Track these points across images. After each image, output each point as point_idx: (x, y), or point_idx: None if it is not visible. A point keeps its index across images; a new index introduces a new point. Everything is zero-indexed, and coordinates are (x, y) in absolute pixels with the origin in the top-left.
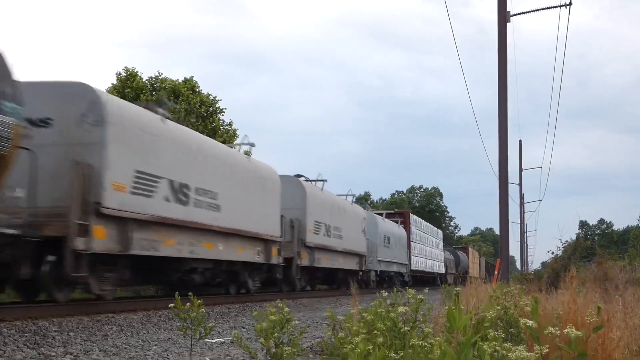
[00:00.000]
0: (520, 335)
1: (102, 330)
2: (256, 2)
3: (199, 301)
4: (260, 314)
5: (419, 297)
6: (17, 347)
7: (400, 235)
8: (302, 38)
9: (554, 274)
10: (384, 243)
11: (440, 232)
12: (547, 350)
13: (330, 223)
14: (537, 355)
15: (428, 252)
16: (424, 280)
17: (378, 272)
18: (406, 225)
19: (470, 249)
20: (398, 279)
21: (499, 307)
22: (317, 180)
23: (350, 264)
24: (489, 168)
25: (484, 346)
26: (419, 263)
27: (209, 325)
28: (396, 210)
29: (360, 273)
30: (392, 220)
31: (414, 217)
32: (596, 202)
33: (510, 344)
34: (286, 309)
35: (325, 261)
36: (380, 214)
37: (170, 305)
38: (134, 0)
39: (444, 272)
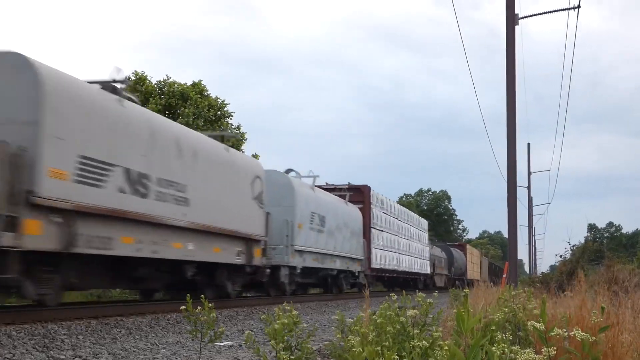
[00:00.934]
0: (529, 338)
1: (110, 334)
2: (267, 4)
3: (210, 304)
4: (269, 317)
5: (428, 300)
6: (26, 350)
7: (350, 217)
8: (312, 40)
9: (562, 277)
10: (311, 224)
11: (425, 222)
12: (555, 352)
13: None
14: (544, 357)
15: (403, 245)
16: (397, 282)
17: (298, 270)
18: (365, 205)
19: (469, 246)
20: (348, 280)
21: (506, 310)
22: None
23: (223, 254)
24: (497, 171)
25: (493, 348)
26: (384, 259)
27: (220, 329)
28: (350, 183)
29: (248, 269)
30: (338, 195)
31: (376, 195)
32: (605, 205)
33: (518, 347)
34: (295, 312)
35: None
36: (322, 188)
37: (181, 308)
38: (145, 3)
39: (429, 272)
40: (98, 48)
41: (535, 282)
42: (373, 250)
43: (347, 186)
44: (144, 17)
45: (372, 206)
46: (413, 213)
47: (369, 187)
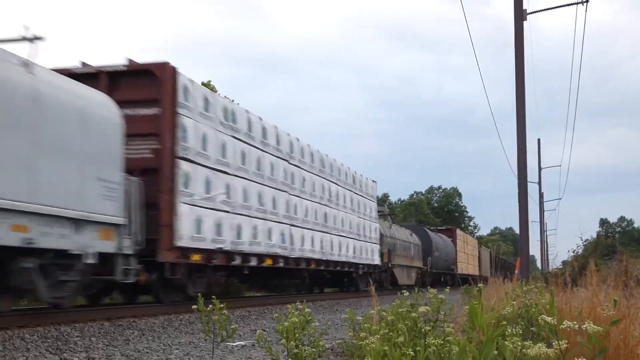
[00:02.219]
0: (541, 333)
1: (123, 335)
2: (274, 4)
3: (222, 305)
4: (282, 316)
5: (440, 296)
6: (40, 352)
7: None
8: (322, 40)
9: (575, 271)
10: None
11: (372, 185)
12: (567, 345)
13: None
14: (556, 350)
15: (296, 207)
16: (278, 275)
17: None
18: (164, 101)
19: (460, 232)
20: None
21: (514, 304)
22: None
23: None
24: (508, 168)
25: (506, 342)
26: (212, 228)
27: (232, 327)
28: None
29: None
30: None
31: (192, 87)
32: (617, 199)
33: (530, 342)
34: (307, 310)
35: None
36: None
37: (193, 307)
38: (156, 6)
39: (378, 263)
40: (110, 51)
41: (547, 277)
42: (181, 208)
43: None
44: (154, 20)
45: (179, 109)
46: (337, 162)
47: (171, 68)
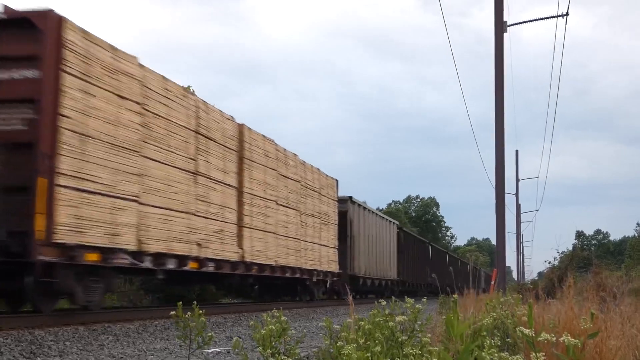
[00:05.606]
0: (518, 344)
1: (98, 340)
2: (254, 12)
3: (201, 311)
4: (258, 324)
5: (417, 306)
6: (13, 356)
7: None
8: (300, 49)
9: (551, 283)
10: None
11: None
12: (544, 357)
13: None
14: None
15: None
16: None
17: None
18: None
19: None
20: None
21: (494, 315)
22: None
23: None
24: (486, 179)
25: (483, 353)
26: None
27: (208, 335)
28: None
29: None
30: None
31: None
32: (593, 212)
33: (507, 353)
34: (284, 318)
35: None
36: None
37: (171, 313)
38: (133, 9)
39: (334, 270)
40: None
41: (524, 288)
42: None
43: None
44: (132, 25)
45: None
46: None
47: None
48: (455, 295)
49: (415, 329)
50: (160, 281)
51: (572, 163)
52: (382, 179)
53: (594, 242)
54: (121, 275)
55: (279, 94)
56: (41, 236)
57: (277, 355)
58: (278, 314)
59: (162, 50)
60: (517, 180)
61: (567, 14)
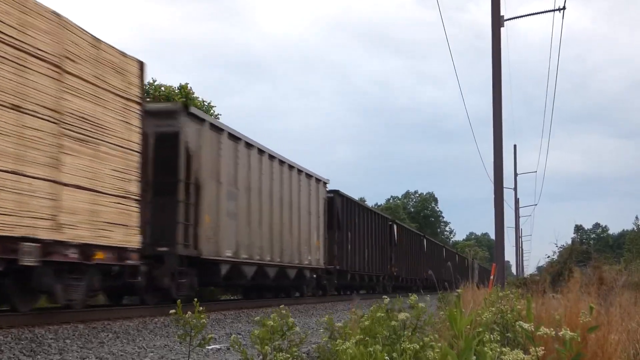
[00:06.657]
0: (517, 339)
1: (98, 338)
2: (251, 8)
3: (201, 308)
4: (260, 320)
5: (420, 304)
6: (13, 354)
7: None
8: (299, 44)
9: (551, 278)
10: None
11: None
12: (544, 351)
13: None
14: (533, 357)
15: None
16: None
17: None
18: None
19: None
20: None
21: (494, 309)
22: None
23: None
24: (484, 173)
25: (485, 348)
26: None
27: (209, 336)
28: None
29: None
30: None
31: None
32: (592, 206)
33: (507, 348)
34: (291, 319)
35: None
36: None
37: (170, 312)
38: (130, 5)
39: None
40: None
41: (523, 283)
42: None
43: None
44: (130, 21)
45: None
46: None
47: None
48: (460, 290)
49: (417, 326)
50: None
51: (571, 157)
52: (381, 174)
53: (592, 236)
54: None
55: (280, 91)
56: None
57: (275, 353)
58: (285, 312)
59: (160, 46)
60: (516, 174)
61: (564, 8)
